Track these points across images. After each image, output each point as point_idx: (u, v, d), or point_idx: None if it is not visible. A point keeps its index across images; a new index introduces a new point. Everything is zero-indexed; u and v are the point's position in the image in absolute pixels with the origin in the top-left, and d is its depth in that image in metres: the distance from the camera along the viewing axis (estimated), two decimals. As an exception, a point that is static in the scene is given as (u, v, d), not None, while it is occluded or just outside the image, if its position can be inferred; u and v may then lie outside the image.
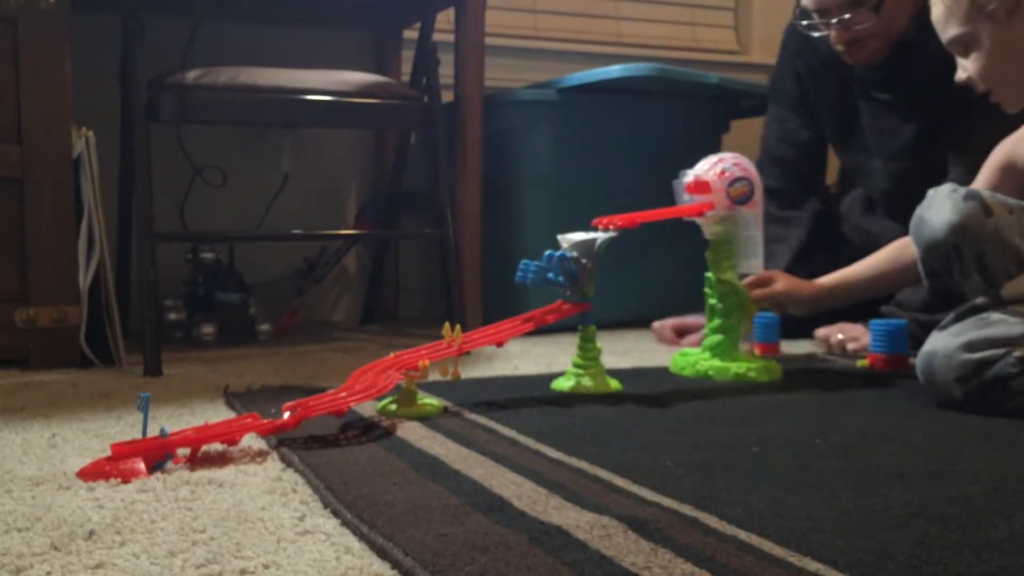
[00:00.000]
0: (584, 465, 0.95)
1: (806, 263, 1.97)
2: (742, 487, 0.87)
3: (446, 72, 2.03)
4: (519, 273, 1.35)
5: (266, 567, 0.69)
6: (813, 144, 2.08)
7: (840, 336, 1.82)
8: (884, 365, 1.55)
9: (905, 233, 1.75)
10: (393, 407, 1.20)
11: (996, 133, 1.68)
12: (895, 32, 1.77)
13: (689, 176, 1.48)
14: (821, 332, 1.87)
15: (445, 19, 2.20)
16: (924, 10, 1.77)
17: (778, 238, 2.00)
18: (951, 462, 0.96)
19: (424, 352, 1.26)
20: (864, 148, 1.97)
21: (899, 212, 1.89)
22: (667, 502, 0.82)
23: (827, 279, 1.66)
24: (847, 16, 1.73)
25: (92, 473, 0.93)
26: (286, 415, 1.06)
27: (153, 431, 0.99)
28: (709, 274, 1.51)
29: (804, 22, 1.82)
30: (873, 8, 1.72)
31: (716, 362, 1.48)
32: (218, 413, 1.24)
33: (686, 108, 2.25)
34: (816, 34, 1.82)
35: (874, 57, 1.80)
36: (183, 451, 0.99)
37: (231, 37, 2.21)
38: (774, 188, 2.01)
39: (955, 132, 1.78)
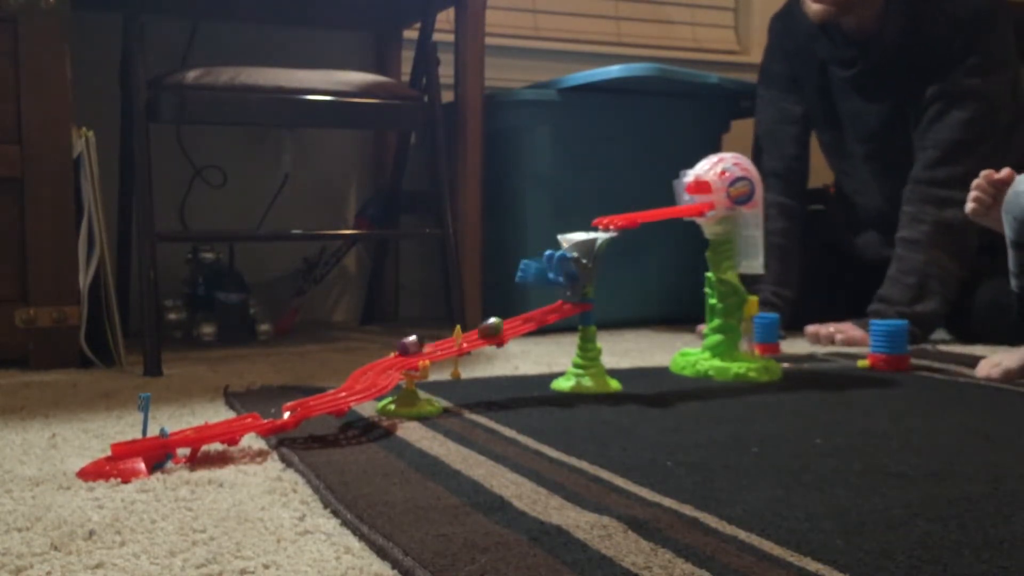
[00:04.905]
0: (584, 465, 0.95)
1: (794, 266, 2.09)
2: (742, 487, 0.87)
3: (446, 72, 2.03)
4: (519, 273, 1.35)
5: (266, 567, 0.69)
6: (807, 121, 2.16)
7: (831, 328, 1.91)
8: (884, 365, 1.55)
9: (884, 241, 1.85)
10: (393, 407, 1.20)
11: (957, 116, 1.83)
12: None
13: (689, 176, 1.48)
14: (811, 329, 1.95)
15: (445, 19, 2.20)
16: None
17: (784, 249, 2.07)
18: (951, 462, 0.96)
19: (424, 352, 1.26)
20: (841, 130, 2.07)
21: (878, 199, 2.05)
22: (667, 502, 0.82)
23: None
24: None
25: (92, 473, 0.93)
26: (286, 415, 1.06)
27: (153, 431, 0.99)
28: (709, 274, 1.51)
29: None
30: None
31: (716, 362, 1.48)
32: (218, 413, 1.24)
33: (686, 108, 2.25)
34: None
35: (862, 15, 1.89)
36: (183, 451, 0.99)
37: (231, 37, 2.21)
38: (777, 170, 2.10)
39: (916, 115, 1.90)
